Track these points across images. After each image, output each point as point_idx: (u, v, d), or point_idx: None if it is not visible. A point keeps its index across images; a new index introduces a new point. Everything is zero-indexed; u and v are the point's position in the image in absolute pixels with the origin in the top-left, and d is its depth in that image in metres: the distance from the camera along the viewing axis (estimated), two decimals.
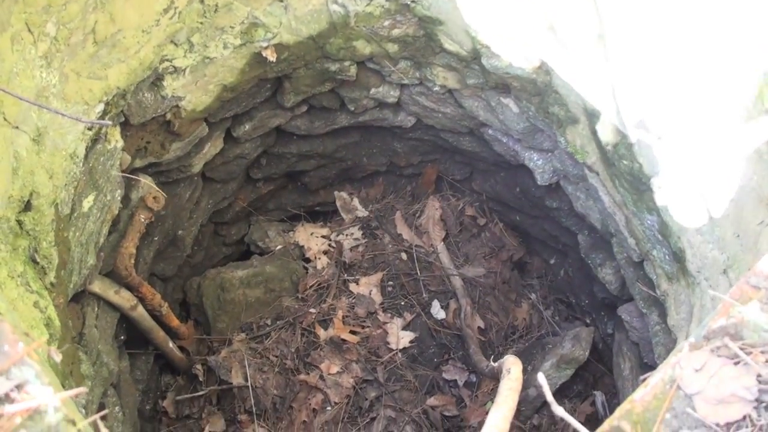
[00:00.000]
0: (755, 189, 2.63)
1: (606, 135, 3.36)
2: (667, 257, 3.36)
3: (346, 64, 3.97)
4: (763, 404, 1.00)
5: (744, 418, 1.00)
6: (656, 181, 3.17)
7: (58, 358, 1.09)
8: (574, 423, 1.10)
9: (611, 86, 3.15)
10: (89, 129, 3.08)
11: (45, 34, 2.64)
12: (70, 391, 1.01)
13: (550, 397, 1.16)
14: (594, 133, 3.44)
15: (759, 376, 1.01)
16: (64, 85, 2.86)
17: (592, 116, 3.37)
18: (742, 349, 1.04)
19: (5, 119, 2.48)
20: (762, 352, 1.02)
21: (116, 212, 3.41)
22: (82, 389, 1.03)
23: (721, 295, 1.19)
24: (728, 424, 1.00)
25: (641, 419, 1.06)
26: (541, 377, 1.29)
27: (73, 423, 1.00)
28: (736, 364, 1.04)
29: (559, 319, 4.78)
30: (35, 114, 2.70)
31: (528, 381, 4.28)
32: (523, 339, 4.65)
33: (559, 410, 1.15)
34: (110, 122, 3.03)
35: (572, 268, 4.70)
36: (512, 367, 1.96)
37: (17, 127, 2.59)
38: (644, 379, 1.13)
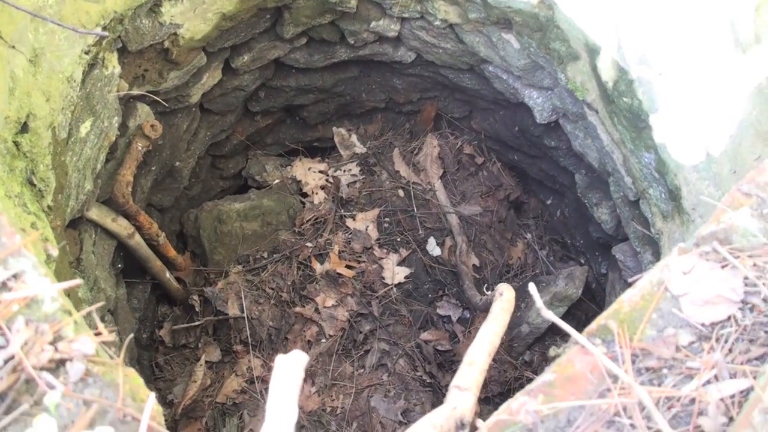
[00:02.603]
0: (753, 124, 2.63)
1: (607, 71, 3.34)
2: (663, 195, 3.37)
3: None
4: (748, 305, 1.02)
5: (729, 318, 1.01)
6: (655, 118, 3.16)
7: (54, 252, 1.10)
8: (564, 325, 1.12)
9: (614, 21, 3.12)
10: (86, 53, 3.05)
11: None
12: (66, 283, 1.03)
13: (540, 302, 1.18)
14: (594, 69, 3.42)
15: (746, 278, 1.02)
16: (61, 7, 2.83)
17: (594, 52, 3.34)
18: (730, 253, 1.05)
19: (1, 37, 2.47)
20: (750, 256, 1.03)
21: (113, 139, 3.39)
22: (78, 281, 1.04)
23: (712, 201, 1.20)
24: (713, 324, 1.02)
25: (628, 318, 1.07)
26: (531, 287, 1.31)
27: (69, 313, 1.01)
28: (724, 267, 1.05)
29: (554, 258, 4.81)
30: (32, 35, 2.67)
31: (521, 318, 4.33)
32: (518, 277, 4.69)
33: (548, 314, 1.17)
34: (107, 33, 2.99)
35: (568, 209, 4.71)
36: (505, 291, 1.98)
37: (13, 47, 2.57)
38: (633, 282, 1.14)
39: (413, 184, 4.83)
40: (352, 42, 4.27)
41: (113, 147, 3.48)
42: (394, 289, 4.49)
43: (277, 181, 4.75)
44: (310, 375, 4.13)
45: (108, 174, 3.53)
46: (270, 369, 3.87)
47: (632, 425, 0.89)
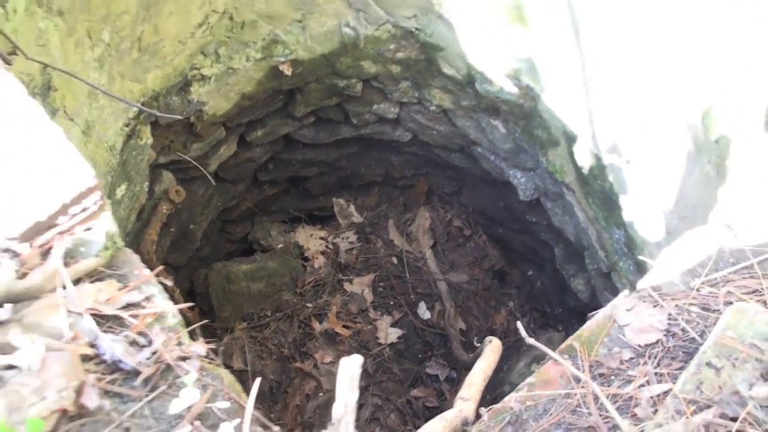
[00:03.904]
0: (704, 207, 3.06)
1: (582, 157, 3.79)
2: (631, 268, 3.78)
3: (353, 81, 4.40)
4: (671, 333, 1.39)
5: (657, 341, 1.39)
6: (624, 199, 3.61)
7: (169, 283, 1.48)
8: (541, 347, 1.50)
9: (588, 114, 3.58)
10: (126, 126, 3.48)
11: (101, 40, 3.04)
12: (181, 305, 1.41)
13: (523, 332, 1.56)
14: (572, 155, 3.87)
15: (669, 314, 1.40)
16: (111, 86, 3.26)
17: (571, 140, 3.79)
18: (660, 296, 1.43)
19: (65, 112, 2.88)
20: (672, 299, 1.41)
21: (143, 202, 3.79)
22: (190, 303, 1.43)
23: (649, 260, 1.61)
24: (647, 345, 1.39)
25: (587, 341, 1.45)
26: (519, 324, 1.70)
27: (185, 326, 1.40)
28: (655, 306, 1.43)
29: (534, 325, 5.19)
30: (86, 109, 3.09)
31: (503, 378, 4.68)
32: (501, 342, 5.05)
33: (530, 340, 1.55)
34: (156, 112, 3.40)
35: (547, 279, 5.11)
36: (494, 339, 2.37)
37: (72, 120, 2.98)
38: (591, 316, 1.53)
39: (406, 252, 5.24)
40: (355, 122, 4.73)
41: (141, 209, 3.87)
42: (387, 349, 4.85)
43: (280, 245, 5.15)
44: (308, 426, 4.45)
45: (135, 233, 3.91)
46: (271, 419, 4.19)
47: (589, 413, 1.26)
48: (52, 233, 1.32)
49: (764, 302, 1.31)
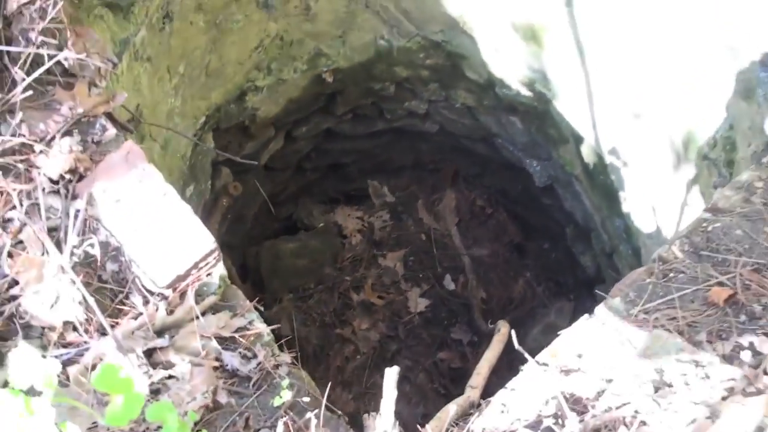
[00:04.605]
0: (689, 206, 3.60)
1: (588, 155, 4.34)
2: (630, 252, 4.35)
3: (387, 84, 4.96)
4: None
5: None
6: (623, 194, 4.16)
7: (261, 309, 2.09)
8: (525, 354, 2.09)
9: (592, 120, 4.12)
10: (194, 135, 4.09)
11: (177, 72, 3.63)
12: (272, 326, 2.03)
13: (515, 338, 2.15)
14: (579, 152, 4.42)
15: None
16: (183, 106, 3.86)
17: (578, 140, 4.33)
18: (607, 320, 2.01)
19: (150, 136, 3.48)
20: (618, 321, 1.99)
21: (207, 197, 4.41)
22: (274, 326, 2.05)
23: (602, 294, 2.19)
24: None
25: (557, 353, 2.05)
26: (503, 322, 2.32)
27: (274, 342, 2.02)
28: (603, 325, 2.02)
29: (549, 294, 5.78)
30: (165, 130, 3.69)
31: (521, 341, 5.30)
32: (518, 309, 5.66)
33: (519, 347, 2.14)
34: (256, 162, 3.98)
35: (561, 253, 5.69)
36: (501, 327, 2.97)
37: (155, 140, 3.59)
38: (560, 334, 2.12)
39: (434, 229, 5.84)
40: (389, 117, 5.30)
41: (205, 203, 4.50)
42: (417, 317, 5.49)
43: (321, 224, 5.78)
44: (347, 384, 5.13)
45: None
46: (315, 379, 4.87)
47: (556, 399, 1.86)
48: (187, 281, 1.94)
49: (676, 321, 1.89)
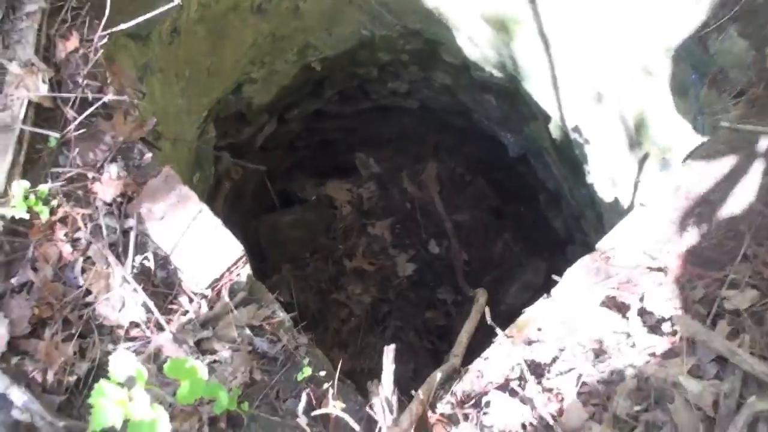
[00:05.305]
0: (641, 182, 4.06)
1: (554, 132, 4.79)
2: (594, 217, 4.83)
3: (371, 68, 5.36)
4: None
5: None
6: (586, 167, 4.62)
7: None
8: (493, 325, 2.56)
9: (557, 101, 4.55)
10: (198, 128, 4.51)
11: (183, 77, 4.03)
12: (274, 294, 2.50)
13: (488, 314, 2.63)
14: (547, 128, 4.86)
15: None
16: (188, 105, 4.26)
17: (546, 117, 4.77)
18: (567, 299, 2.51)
19: (164, 136, 3.89)
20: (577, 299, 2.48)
21: (211, 182, 4.84)
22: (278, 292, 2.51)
23: (557, 277, 2.69)
24: None
25: (522, 326, 2.53)
26: (481, 291, 2.82)
27: (294, 325, 2.49)
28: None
29: (526, 254, 6.28)
30: (173, 126, 4.10)
31: (500, 300, 5.82)
32: (498, 269, 6.17)
33: (491, 322, 2.61)
34: (264, 168, 4.37)
35: (535, 217, 6.17)
36: (480, 297, 3.45)
37: (166, 139, 4.00)
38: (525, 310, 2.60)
39: (418, 198, 6.31)
40: (373, 97, 5.71)
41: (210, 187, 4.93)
42: (405, 280, 5.98)
43: (314, 197, 6.23)
44: (344, 345, 5.64)
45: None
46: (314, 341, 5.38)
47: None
48: (222, 282, 2.39)
49: (616, 299, 2.37)
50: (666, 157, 3.47)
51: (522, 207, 6.37)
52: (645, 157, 3.78)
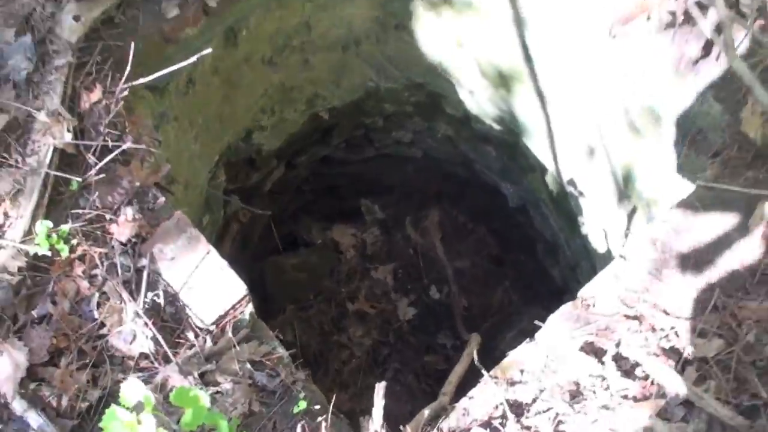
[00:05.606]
0: (631, 234, 4.24)
1: (551, 184, 4.98)
2: (589, 268, 4.99)
3: (376, 118, 5.59)
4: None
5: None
6: (581, 219, 4.80)
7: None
8: (484, 372, 2.72)
9: (553, 155, 4.75)
10: (209, 172, 4.72)
11: (197, 124, 4.25)
12: (276, 333, 2.67)
13: (475, 356, 2.79)
14: (544, 180, 5.06)
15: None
16: (201, 150, 4.47)
17: (543, 170, 4.97)
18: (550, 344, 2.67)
19: (177, 181, 4.10)
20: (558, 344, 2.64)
21: (220, 224, 5.04)
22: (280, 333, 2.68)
23: (540, 323, 2.85)
24: None
25: (506, 369, 2.69)
26: (474, 336, 2.96)
27: (292, 362, 2.66)
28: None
29: (524, 302, 6.42)
30: (186, 170, 4.30)
31: (496, 346, 5.94)
32: (496, 316, 6.31)
33: (478, 364, 2.77)
34: (270, 212, 4.58)
35: (534, 266, 6.33)
36: (472, 341, 3.61)
37: (178, 183, 4.20)
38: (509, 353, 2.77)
39: (420, 244, 6.49)
40: (378, 145, 5.93)
41: (218, 229, 5.12)
42: (406, 324, 6.13)
43: (319, 240, 6.42)
44: (344, 385, 5.77)
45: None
46: (315, 381, 5.53)
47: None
48: (226, 319, 2.57)
49: (593, 345, 2.53)
50: (652, 211, 3.65)
51: (521, 256, 6.53)
52: (633, 210, 3.96)
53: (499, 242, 6.66)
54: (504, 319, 6.17)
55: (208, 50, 2.76)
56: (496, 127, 5.12)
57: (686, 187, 3.00)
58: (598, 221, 4.54)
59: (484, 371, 2.65)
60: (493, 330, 5.92)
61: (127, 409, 1.95)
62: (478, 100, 4.97)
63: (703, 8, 2.75)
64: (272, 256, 6.19)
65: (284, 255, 6.24)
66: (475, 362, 2.76)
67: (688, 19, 2.84)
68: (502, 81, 4.64)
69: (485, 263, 6.53)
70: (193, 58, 2.74)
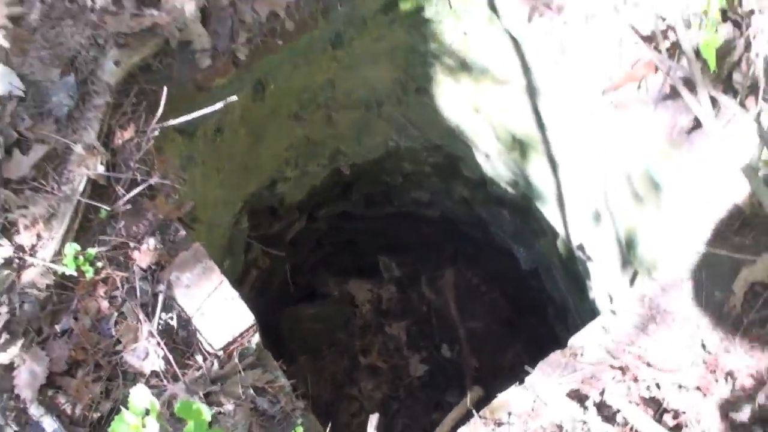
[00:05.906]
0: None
1: (561, 248, 5.13)
2: None
3: (395, 176, 5.80)
4: None
5: None
6: (589, 284, 4.93)
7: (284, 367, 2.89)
8: (473, 410, 2.84)
9: (563, 220, 4.91)
10: (233, 217, 4.93)
11: (223, 170, 4.49)
12: (291, 381, 2.83)
13: (468, 402, 2.92)
14: (555, 244, 5.20)
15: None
16: (226, 195, 4.70)
17: (554, 234, 5.12)
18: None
19: (200, 220, 4.31)
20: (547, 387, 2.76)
21: (240, 269, 5.23)
22: (294, 380, 2.84)
23: (530, 369, 2.98)
24: None
25: (495, 410, 2.82)
26: (476, 388, 3.09)
27: (293, 391, 2.81)
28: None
29: (534, 365, 6.48)
30: (209, 213, 4.53)
31: None
32: (507, 377, 6.37)
33: (470, 407, 2.90)
34: (284, 254, 4.81)
35: (546, 329, 6.42)
36: (471, 393, 3.73)
37: (203, 222, 4.41)
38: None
39: (434, 302, 6.63)
40: (396, 203, 6.13)
41: (238, 274, 5.31)
42: (416, 380, 6.24)
43: (336, 293, 6.59)
44: None
45: None
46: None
47: None
48: (234, 345, 2.75)
49: (578, 391, 2.66)
50: (652, 276, 3.78)
51: (533, 319, 6.63)
52: (635, 275, 4.10)
53: (512, 305, 6.78)
54: (514, 381, 6.23)
55: (234, 97, 2.98)
56: (511, 190, 5.29)
57: (684, 253, 3.15)
58: (605, 285, 4.67)
59: (474, 411, 2.79)
60: (500, 389, 5.99)
61: (135, 414, 2.13)
62: (494, 163, 5.16)
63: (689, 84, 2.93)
64: (289, 306, 6.36)
65: (301, 305, 6.41)
66: (468, 404, 2.90)
67: (676, 93, 3.02)
68: (516, 146, 4.83)
69: (497, 325, 6.64)
70: (221, 104, 2.97)
